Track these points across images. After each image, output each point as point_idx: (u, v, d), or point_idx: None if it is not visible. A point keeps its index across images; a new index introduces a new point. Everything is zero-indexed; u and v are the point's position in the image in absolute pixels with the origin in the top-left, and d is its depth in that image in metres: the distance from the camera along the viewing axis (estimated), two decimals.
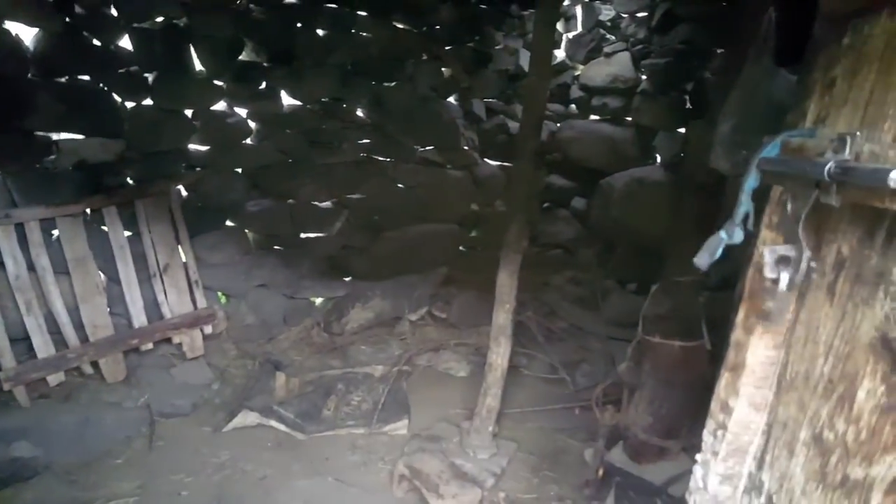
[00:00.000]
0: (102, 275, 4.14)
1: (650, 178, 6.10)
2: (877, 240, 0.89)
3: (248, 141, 4.89)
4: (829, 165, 0.89)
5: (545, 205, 7.68)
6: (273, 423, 4.01)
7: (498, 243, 3.77)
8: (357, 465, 3.78)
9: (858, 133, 0.91)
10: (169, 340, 4.37)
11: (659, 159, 6.54)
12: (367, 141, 5.58)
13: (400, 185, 6.05)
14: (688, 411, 2.84)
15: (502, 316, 3.63)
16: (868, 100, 0.96)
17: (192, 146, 4.56)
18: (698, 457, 1.31)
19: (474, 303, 6.28)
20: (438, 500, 3.17)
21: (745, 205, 1.17)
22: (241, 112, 4.81)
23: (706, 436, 1.29)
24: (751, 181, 1.16)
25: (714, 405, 1.27)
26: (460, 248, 7.03)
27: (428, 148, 6.13)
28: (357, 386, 4.63)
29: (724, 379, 1.24)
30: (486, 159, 6.95)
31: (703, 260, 1.22)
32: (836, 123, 1.04)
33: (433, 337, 5.88)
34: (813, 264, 1.02)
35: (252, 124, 4.87)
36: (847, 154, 0.91)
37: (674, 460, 2.97)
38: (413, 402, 4.52)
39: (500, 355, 3.64)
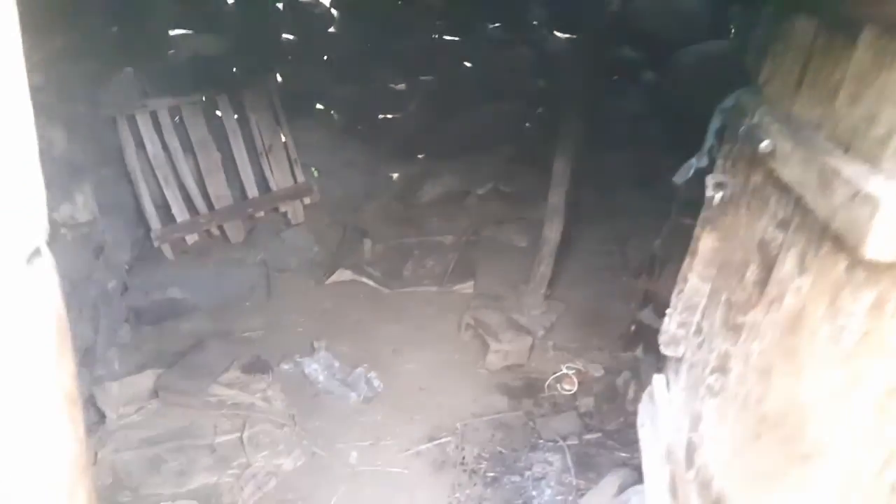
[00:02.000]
0: (220, 154, 4.94)
1: (723, 53, 6.11)
2: (767, 178, 1.40)
3: (332, 30, 5.35)
4: (743, 126, 1.38)
5: (614, 77, 7.75)
6: (364, 279, 4.89)
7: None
8: (431, 316, 4.64)
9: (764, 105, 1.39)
10: (276, 209, 5.23)
11: (733, 33, 6.45)
12: (439, 23, 5.88)
13: (468, 65, 6.37)
14: None
15: (556, 197, 4.18)
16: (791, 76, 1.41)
17: (284, 36, 5.08)
18: (667, 311, 1.92)
19: (536, 180, 6.80)
20: (497, 344, 3.98)
21: (709, 140, 1.66)
22: (324, 1, 5.23)
23: (672, 297, 1.88)
24: (715, 122, 1.65)
25: (679, 277, 1.85)
26: (526, 124, 7.40)
27: (496, 25, 6.34)
28: (430, 252, 5.42)
29: (686, 261, 1.81)
30: (556, 31, 7.04)
31: (679, 178, 1.74)
32: (771, 91, 1.50)
33: (497, 211, 6.52)
34: (738, 189, 1.53)
35: (334, 13, 5.29)
36: (755, 120, 1.39)
37: None
38: (478, 267, 5.27)
39: (553, 230, 4.25)
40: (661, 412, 1.95)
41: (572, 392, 3.93)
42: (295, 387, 3.75)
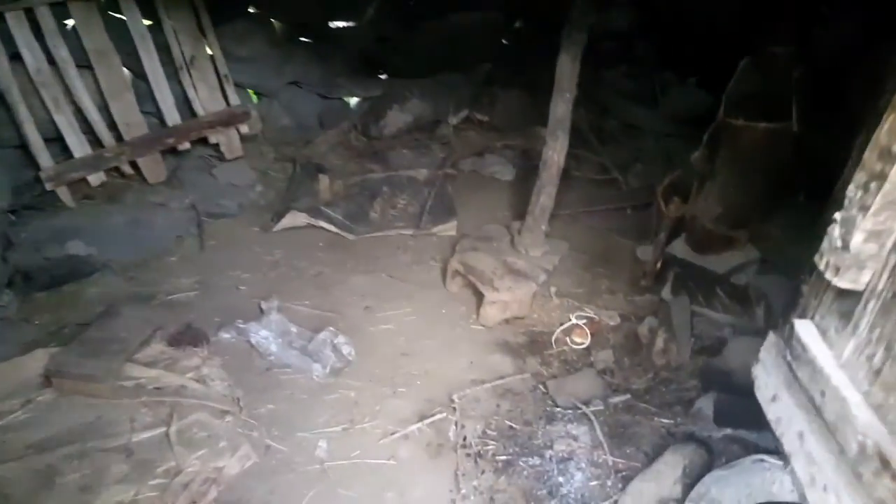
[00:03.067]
0: (127, 71, 3.94)
1: None
2: None
3: None
4: None
5: None
6: (322, 223, 4.05)
7: (547, 33, 3.38)
8: (408, 263, 3.87)
9: None
10: (205, 141, 4.29)
11: None
12: None
13: None
14: (762, 200, 2.72)
15: (561, 107, 3.40)
16: None
17: None
18: (837, 215, 1.20)
19: (519, 103, 5.98)
20: (493, 293, 3.25)
21: None
22: None
23: (852, 191, 1.16)
24: None
25: (869, 154, 1.12)
26: (503, 41, 6.51)
27: None
28: (402, 189, 4.60)
29: (889, 122, 1.07)
30: None
31: None
32: None
33: (476, 141, 5.70)
34: None
35: None
36: None
37: (740, 250, 2.93)
38: (459, 205, 4.50)
39: (556, 151, 3.48)
40: (819, 375, 1.26)
41: (585, 345, 3.26)
42: (239, 362, 2.96)
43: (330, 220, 4.08)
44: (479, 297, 3.40)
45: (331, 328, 3.10)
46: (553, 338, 3.31)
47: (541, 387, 2.99)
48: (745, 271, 2.87)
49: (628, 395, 2.91)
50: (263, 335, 3.00)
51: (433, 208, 4.36)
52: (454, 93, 5.85)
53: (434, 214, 4.31)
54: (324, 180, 4.45)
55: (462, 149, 5.25)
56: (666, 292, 3.18)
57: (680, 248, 3.03)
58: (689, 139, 4.80)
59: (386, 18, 5.11)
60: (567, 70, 3.31)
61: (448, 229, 4.19)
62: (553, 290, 3.66)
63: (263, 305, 3.25)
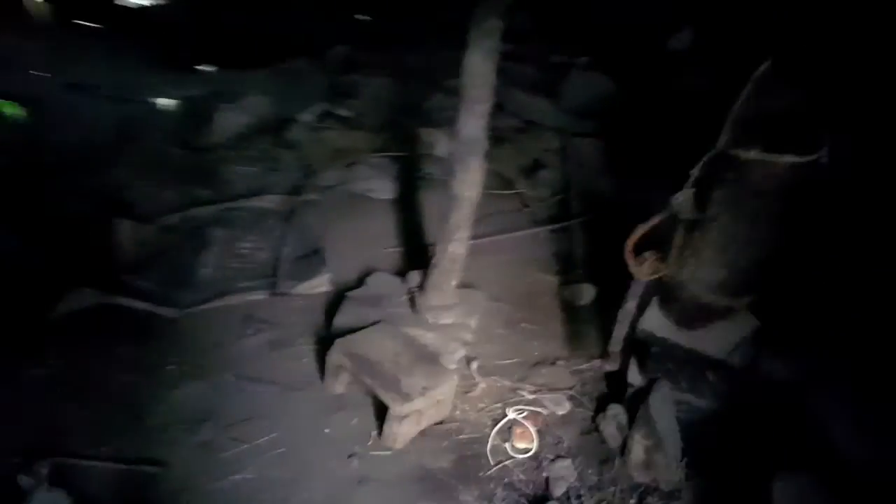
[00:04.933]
0: None
1: None
2: None
3: None
4: None
5: None
6: (123, 300, 2.80)
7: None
8: (264, 349, 2.77)
9: None
10: None
11: None
12: None
13: None
14: (777, 261, 2.00)
15: (472, 124, 2.47)
16: None
17: None
18: None
19: (387, 93, 4.97)
20: (402, 405, 2.26)
21: None
22: None
23: None
24: None
25: None
26: (358, 16, 5.43)
27: None
28: (244, 227, 3.44)
29: None
30: None
31: None
32: None
33: (340, 145, 4.61)
34: None
35: None
36: None
37: (733, 321, 2.21)
38: (328, 241, 3.45)
39: (468, 184, 2.55)
40: None
41: (531, 452, 2.42)
42: None
43: (136, 293, 2.84)
44: (380, 406, 2.41)
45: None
46: (487, 447, 2.43)
47: None
48: (745, 346, 2.16)
49: None
50: None
51: (293, 254, 3.26)
52: (304, 84, 4.72)
53: (295, 264, 3.22)
54: (124, 227, 3.18)
55: (322, 157, 4.15)
56: (633, 374, 2.40)
57: (656, 321, 2.25)
58: (601, 137, 4.19)
59: None
60: (479, 72, 2.38)
61: (317, 285, 3.14)
62: (474, 366, 2.77)
63: (24, 480, 2.01)
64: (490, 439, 2.46)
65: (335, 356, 2.47)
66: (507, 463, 2.39)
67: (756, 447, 2.02)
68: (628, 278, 2.25)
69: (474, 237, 3.48)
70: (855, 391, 1.94)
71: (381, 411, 2.41)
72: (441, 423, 2.51)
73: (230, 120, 4.27)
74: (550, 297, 3.25)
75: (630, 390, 2.41)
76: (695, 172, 1.95)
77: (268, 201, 3.64)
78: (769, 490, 1.77)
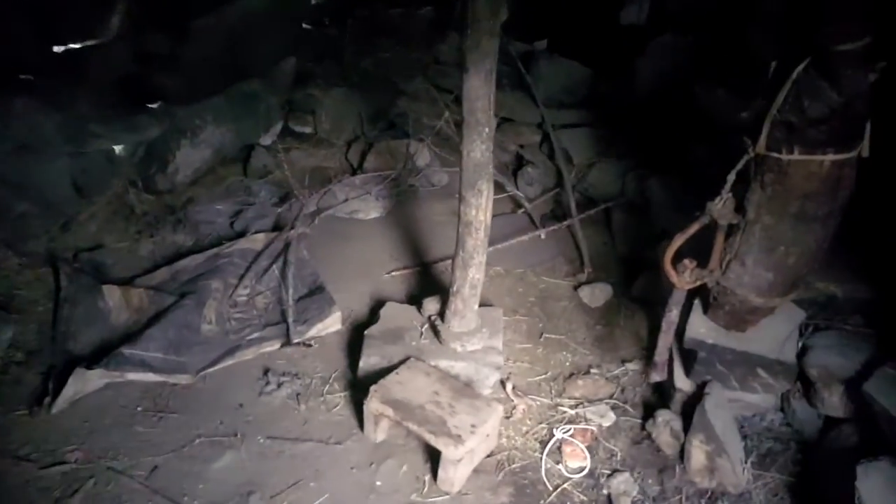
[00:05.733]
0: None
1: None
2: None
3: None
4: None
5: None
6: (132, 374, 2.65)
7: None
8: (291, 403, 2.68)
9: None
10: None
11: None
12: None
13: None
14: (822, 254, 2.05)
15: (479, 148, 2.43)
16: None
17: None
18: None
19: (345, 104, 4.83)
20: (456, 448, 2.23)
21: None
22: None
23: None
24: None
25: None
26: (305, 25, 5.24)
27: None
28: (237, 273, 3.29)
29: None
30: None
31: None
32: None
33: (310, 165, 4.48)
34: None
35: None
36: None
37: (779, 316, 2.26)
38: (327, 274, 3.36)
39: (481, 209, 2.52)
40: None
41: (586, 469, 2.44)
42: None
43: (143, 365, 2.69)
44: (429, 451, 2.38)
45: None
46: (542, 473, 2.43)
47: None
48: (790, 341, 2.22)
49: None
50: None
51: (295, 294, 3.15)
52: (260, 105, 4.54)
53: (302, 306, 3.12)
54: (111, 292, 3.01)
55: (296, 181, 4.01)
56: (681, 380, 2.43)
57: (703, 327, 2.28)
58: (587, 126, 4.08)
59: (144, 26, 3.59)
60: (480, 94, 2.33)
61: (330, 325, 3.05)
62: (510, 388, 2.76)
63: None
64: (542, 464, 2.46)
65: (374, 405, 2.41)
66: (565, 486, 2.39)
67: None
68: (651, 279, 2.26)
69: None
70: None
71: (431, 454, 2.38)
72: (490, 455, 2.49)
73: (192, 156, 4.07)
74: (567, 301, 3.26)
75: (679, 395, 2.44)
76: (731, 177, 1.97)
77: (254, 241, 3.49)
78: (851, 478, 1.82)
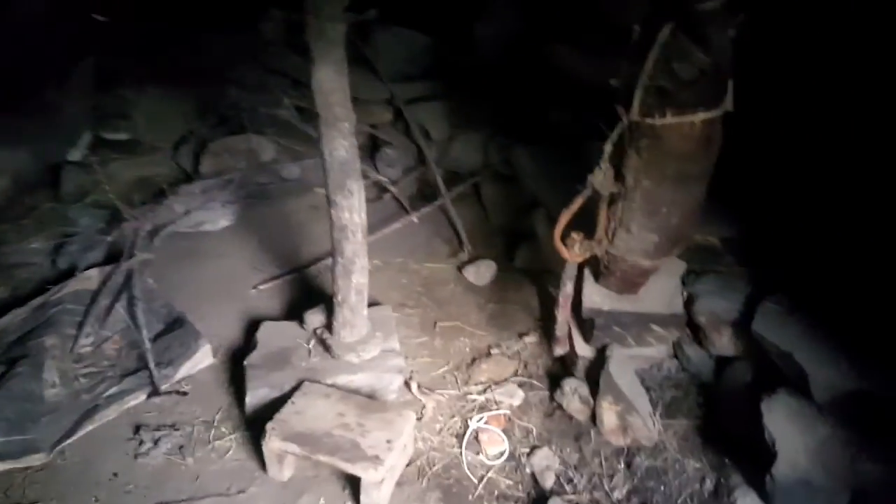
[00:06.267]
0: None
1: None
2: None
3: None
4: None
5: None
6: None
7: None
8: (175, 460, 2.37)
9: None
10: None
11: None
12: None
13: None
14: (699, 209, 2.14)
15: (341, 146, 2.26)
16: None
17: None
18: None
19: (169, 104, 4.33)
20: (375, 470, 2.09)
21: None
22: None
23: None
24: None
25: None
26: (97, 17, 4.57)
27: None
28: (73, 322, 2.84)
29: None
30: None
31: None
32: None
33: (133, 176, 3.98)
34: None
35: None
36: None
37: (665, 271, 2.36)
38: (183, 302, 3.01)
39: (354, 210, 2.36)
40: None
41: (506, 453, 2.44)
42: None
43: None
44: (341, 473, 2.23)
45: None
46: (464, 468, 2.38)
47: None
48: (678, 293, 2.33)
49: None
50: None
51: (151, 333, 2.79)
52: (60, 116, 3.94)
53: (162, 345, 2.76)
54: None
55: (120, 197, 3.55)
56: (581, 346, 2.48)
57: (597, 295, 2.32)
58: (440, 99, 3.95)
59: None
60: (334, 87, 2.16)
61: (200, 361, 2.74)
62: (415, 388, 2.66)
63: None
64: (463, 458, 2.41)
65: (275, 444, 2.19)
66: (489, 475, 2.36)
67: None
68: (532, 248, 2.25)
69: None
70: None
71: (349, 479, 2.24)
72: (410, 463, 2.39)
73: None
74: (453, 284, 3.20)
75: (581, 362, 2.49)
76: (608, 147, 1.97)
77: (87, 279, 3.03)
78: (754, 412, 1.95)
